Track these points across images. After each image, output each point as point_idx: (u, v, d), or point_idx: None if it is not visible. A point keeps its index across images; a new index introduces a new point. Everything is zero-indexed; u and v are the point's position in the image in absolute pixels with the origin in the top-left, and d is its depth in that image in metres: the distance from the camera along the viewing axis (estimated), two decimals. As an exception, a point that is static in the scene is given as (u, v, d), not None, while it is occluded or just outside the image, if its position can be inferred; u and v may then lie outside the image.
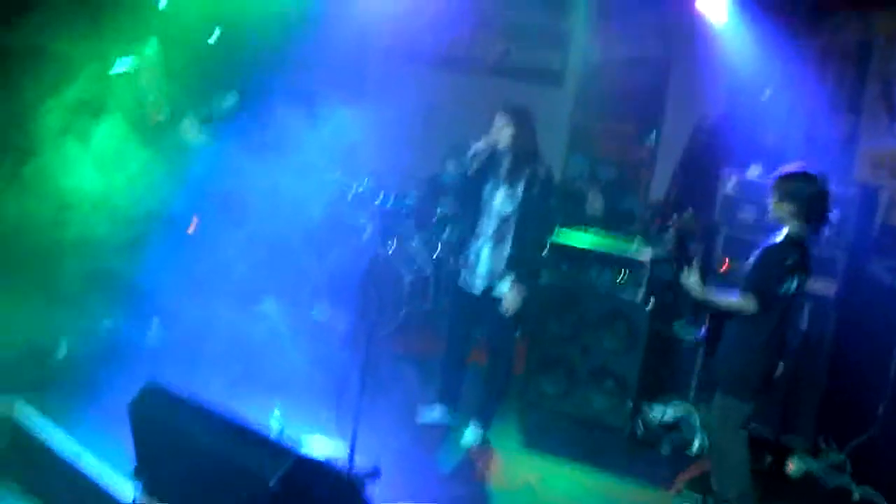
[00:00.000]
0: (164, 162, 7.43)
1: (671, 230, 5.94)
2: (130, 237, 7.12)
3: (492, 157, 6.73)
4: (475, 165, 6.69)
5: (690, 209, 5.96)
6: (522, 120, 6.76)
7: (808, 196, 5.56)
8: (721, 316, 5.77)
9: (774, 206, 5.66)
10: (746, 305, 5.53)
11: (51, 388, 6.31)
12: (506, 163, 6.74)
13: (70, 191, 6.90)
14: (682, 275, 5.87)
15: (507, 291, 6.73)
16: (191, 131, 7.80)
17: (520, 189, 6.72)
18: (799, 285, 5.63)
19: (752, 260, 5.70)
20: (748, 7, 9.31)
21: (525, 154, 6.73)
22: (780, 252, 5.57)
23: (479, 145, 6.64)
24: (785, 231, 5.62)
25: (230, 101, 8.14)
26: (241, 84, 8.48)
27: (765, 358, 5.71)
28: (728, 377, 5.79)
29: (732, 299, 5.63)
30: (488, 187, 6.83)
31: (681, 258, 5.88)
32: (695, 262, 5.89)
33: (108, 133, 7.38)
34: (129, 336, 7.57)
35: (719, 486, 5.92)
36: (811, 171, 5.64)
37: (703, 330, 5.95)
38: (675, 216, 6.00)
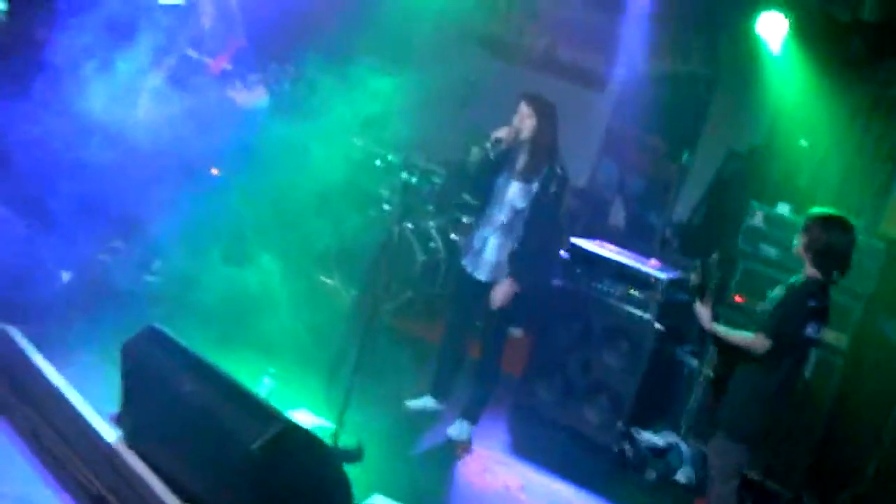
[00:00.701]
0: (209, 110, 7.37)
1: (696, 269, 5.87)
2: (148, 175, 7.05)
3: (509, 147, 6.62)
4: (495, 153, 6.57)
5: (716, 255, 5.89)
6: (546, 112, 6.63)
7: (836, 245, 5.46)
8: (731, 357, 5.66)
9: (801, 247, 5.56)
10: (758, 345, 5.43)
11: (46, 319, 6.24)
12: (523, 156, 6.63)
13: (92, 115, 6.79)
14: (695, 303, 5.79)
15: (499, 286, 6.64)
16: (254, 88, 7.77)
17: (535, 186, 6.59)
18: (819, 332, 5.53)
19: (774, 296, 5.60)
20: (805, 43, 9.19)
21: (544, 149, 6.60)
22: (804, 294, 5.46)
23: (501, 134, 6.52)
24: (807, 272, 5.53)
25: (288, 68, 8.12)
26: (294, 46, 8.45)
27: (776, 407, 5.60)
28: (735, 423, 5.63)
29: (742, 336, 5.54)
30: (502, 178, 6.71)
31: (700, 289, 5.77)
32: (708, 295, 5.79)
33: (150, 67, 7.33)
34: (132, 275, 7.53)
35: None
36: (846, 219, 5.54)
37: (713, 371, 5.87)
38: (698, 262, 5.92)
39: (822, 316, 5.53)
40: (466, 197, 9.95)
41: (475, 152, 9.76)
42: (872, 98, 9.43)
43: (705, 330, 5.80)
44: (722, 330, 5.71)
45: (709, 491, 5.78)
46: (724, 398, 5.70)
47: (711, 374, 5.76)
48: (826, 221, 5.51)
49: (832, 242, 5.44)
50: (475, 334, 7.28)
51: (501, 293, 6.63)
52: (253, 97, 7.61)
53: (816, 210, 5.65)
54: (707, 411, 6.37)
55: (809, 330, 5.47)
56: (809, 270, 5.52)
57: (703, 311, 5.75)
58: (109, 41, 6.90)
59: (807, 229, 5.53)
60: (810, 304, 5.44)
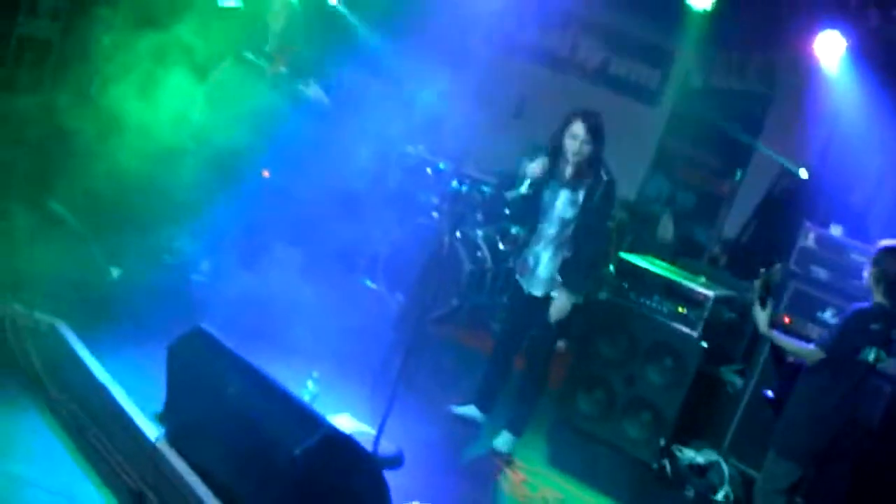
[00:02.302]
0: (267, 111, 7.44)
1: (759, 280, 5.91)
2: (205, 176, 7.12)
3: (555, 158, 6.61)
4: (534, 187, 6.59)
5: (779, 264, 5.91)
6: (601, 135, 6.57)
7: (891, 276, 5.48)
8: (792, 376, 5.65)
9: (871, 277, 5.59)
10: (810, 354, 5.47)
11: (97, 315, 6.32)
12: (570, 167, 6.61)
13: (150, 119, 6.87)
14: (754, 308, 5.85)
15: (556, 297, 6.64)
16: (313, 90, 7.84)
17: (581, 194, 6.60)
18: (877, 359, 5.51)
19: (837, 319, 5.63)
20: (863, 64, 9.10)
21: (590, 159, 6.59)
22: (866, 316, 5.51)
23: (537, 170, 6.55)
24: (876, 300, 5.56)
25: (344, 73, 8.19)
26: (353, 53, 8.51)
27: (828, 429, 5.59)
28: (786, 442, 5.68)
29: (798, 344, 5.56)
30: (549, 190, 6.70)
31: (761, 295, 5.82)
32: (768, 301, 5.83)
33: (208, 72, 7.40)
34: (184, 274, 7.62)
35: None
36: None
37: (772, 391, 5.86)
38: (762, 270, 5.95)
39: (884, 342, 5.54)
40: (514, 207, 9.96)
41: (527, 166, 9.84)
42: (928, 120, 9.33)
43: (760, 333, 5.82)
44: (778, 335, 5.73)
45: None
46: (779, 418, 5.70)
47: (771, 394, 5.73)
48: (889, 252, 5.52)
49: (892, 273, 5.45)
50: (523, 348, 7.29)
51: (559, 306, 6.63)
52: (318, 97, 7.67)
53: (886, 242, 5.66)
54: (754, 431, 6.30)
55: (868, 353, 5.49)
56: (877, 298, 5.54)
57: (761, 316, 5.82)
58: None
59: (877, 261, 5.55)
60: (872, 327, 5.48)
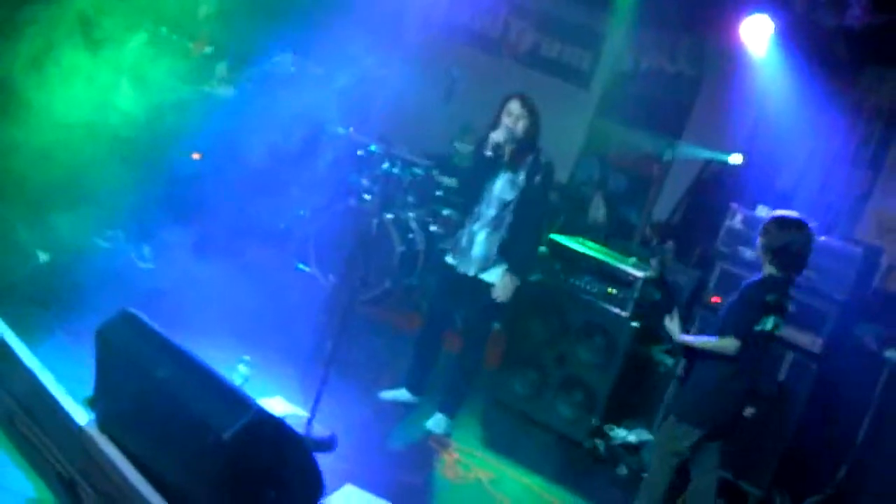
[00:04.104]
0: (188, 94, 7.34)
1: (654, 259, 5.96)
2: (132, 158, 7.02)
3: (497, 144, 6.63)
4: (491, 155, 6.56)
5: (671, 242, 5.96)
6: (536, 112, 6.67)
7: (793, 243, 5.56)
8: (695, 357, 5.74)
9: (759, 247, 5.67)
10: (726, 346, 5.51)
11: (25, 300, 6.22)
12: (508, 149, 6.62)
13: (64, 100, 6.74)
14: (664, 318, 5.90)
15: (500, 280, 6.64)
16: (223, 76, 7.72)
17: (521, 176, 6.63)
18: (776, 326, 5.59)
19: (730, 300, 5.70)
20: (790, 47, 9.22)
21: (528, 142, 6.64)
22: (758, 290, 5.58)
23: (500, 138, 6.52)
24: (766, 271, 5.63)
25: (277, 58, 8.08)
26: (281, 34, 8.41)
27: (729, 392, 5.66)
28: (687, 404, 5.78)
29: (712, 341, 5.60)
30: (489, 171, 6.72)
31: (664, 298, 5.89)
32: (675, 310, 5.91)
33: (132, 49, 7.26)
34: (116, 259, 7.53)
35: (638, 498, 6.02)
36: (803, 220, 5.64)
37: (681, 368, 5.92)
38: (658, 254, 6.01)
39: (781, 311, 5.61)
40: (446, 188, 9.97)
41: (460, 149, 9.80)
42: (855, 104, 9.49)
43: (676, 343, 5.87)
44: (691, 339, 5.82)
45: (646, 466, 5.84)
46: (683, 390, 5.82)
47: (682, 375, 5.80)
48: (783, 222, 5.61)
49: (789, 242, 5.52)
50: (453, 328, 7.29)
51: (504, 289, 6.65)
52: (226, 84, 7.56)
53: (775, 213, 5.78)
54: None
55: (765, 324, 5.56)
56: (767, 269, 5.62)
57: (672, 326, 5.88)
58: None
59: (765, 231, 5.63)
60: (767, 297, 5.54)
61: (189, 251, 7.98)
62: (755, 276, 5.70)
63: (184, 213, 7.80)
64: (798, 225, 5.59)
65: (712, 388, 5.66)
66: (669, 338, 6.12)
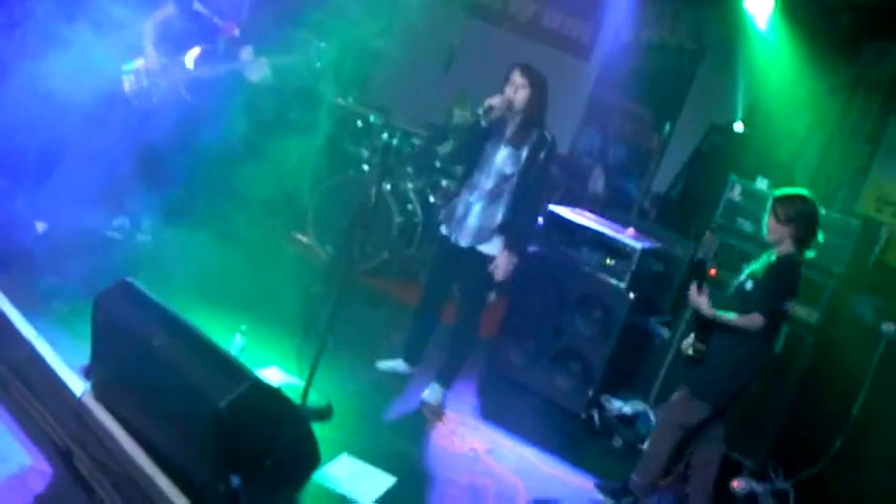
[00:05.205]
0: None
1: (697, 250, 5.94)
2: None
3: (499, 115, 6.60)
4: (486, 120, 6.53)
5: (711, 234, 5.96)
6: (539, 83, 6.62)
7: (809, 221, 5.61)
8: (712, 326, 5.72)
9: (773, 226, 5.65)
10: (752, 323, 5.53)
11: (19, 269, 6.22)
12: (513, 124, 6.60)
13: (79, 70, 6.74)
14: (689, 293, 5.84)
15: (500, 256, 6.61)
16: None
17: (525, 152, 6.57)
18: (791, 305, 5.71)
19: (755, 272, 5.69)
20: (792, 21, 9.19)
21: (534, 117, 6.61)
22: (793, 271, 5.66)
23: (494, 102, 6.49)
24: (784, 250, 5.65)
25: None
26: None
27: (747, 371, 5.74)
28: (699, 383, 5.80)
29: (739, 317, 5.60)
30: (490, 144, 6.67)
31: (697, 271, 5.84)
32: (705, 285, 5.82)
33: None
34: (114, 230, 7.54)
35: (638, 468, 6.10)
36: (810, 196, 5.70)
37: (689, 342, 5.87)
38: (698, 244, 5.98)
39: (796, 291, 5.70)
40: (445, 158, 9.94)
41: (457, 115, 9.76)
42: (855, 78, 9.46)
43: (705, 316, 5.77)
44: (720, 315, 5.71)
45: (641, 438, 5.86)
46: (699, 368, 5.78)
47: (691, 353, 5.76)
48: (793, 199, 5.70)
49: (803, 219, 5.64)
50: (450, 299, 7.29)
51: (503, 266, 6.62)
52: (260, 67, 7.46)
53: (783, 190, 5.79)
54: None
55: (788, 305, 5.67)
56: (784, 248, 5.60)
57: (700, 300, 5.76)
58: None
59: (775, 208, 5.63)
60: (796, 280, 5.63)
61: (186, 222, 7.98)
62: (779, 257, 5.68)
63: (181, 184, 7.78)
64: (807, 200, 5.67)
65: (731, 365, 5.71)
66: (674, 309, 6.14)
